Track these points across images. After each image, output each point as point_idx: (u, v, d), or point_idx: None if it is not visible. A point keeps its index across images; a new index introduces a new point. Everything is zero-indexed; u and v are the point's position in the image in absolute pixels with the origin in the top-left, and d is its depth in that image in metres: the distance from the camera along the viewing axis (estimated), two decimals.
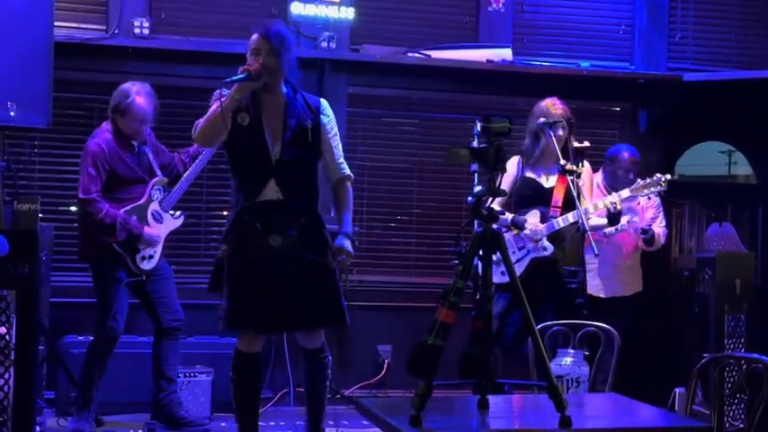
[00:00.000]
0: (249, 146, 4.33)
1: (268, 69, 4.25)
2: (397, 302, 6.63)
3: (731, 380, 4.77)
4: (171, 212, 5.55)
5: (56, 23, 5.60)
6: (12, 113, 5.34)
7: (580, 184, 5.23)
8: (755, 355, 3.59)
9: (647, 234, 6.00)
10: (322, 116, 4.45)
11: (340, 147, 4.54)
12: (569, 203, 5.24)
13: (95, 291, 5.38)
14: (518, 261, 5.29)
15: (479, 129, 3.26)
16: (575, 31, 7.09)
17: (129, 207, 5.31)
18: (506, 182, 5.17)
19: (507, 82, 6.74)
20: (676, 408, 5.78)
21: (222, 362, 5.16)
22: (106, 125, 5.40)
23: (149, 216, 5.40)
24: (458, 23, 6.92)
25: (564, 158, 5.21)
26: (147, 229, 5.33)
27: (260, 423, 4.50)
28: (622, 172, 6.01)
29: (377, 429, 3.16)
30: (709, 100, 6.81)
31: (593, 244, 5.03)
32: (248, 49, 4.32)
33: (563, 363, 4.73)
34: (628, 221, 5.70)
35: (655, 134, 7.01)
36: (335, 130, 4.51)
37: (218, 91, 4.33)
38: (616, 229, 5.65)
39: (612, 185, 5.93)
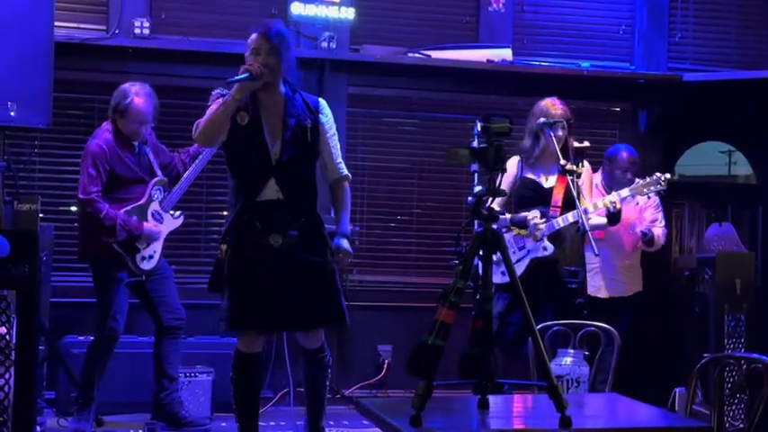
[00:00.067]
0: (248, 145, 4.33)
1: (268, 69, 4.25)
2: (398, 302, 6.63)
3: (731, 380, 4.77)
4: (171, 212, 5.55)
5: (56, 23, 5.60)
6: (12, 113, 5.34)
7: (579, 183, 5.23)
8: (755, 355, 3.59)
9: (645, 237, 6.00)
10: (321, 116, 4.45)
11: (338, 146, 4.54)
12: (569, 203, 5.23)
13: (95, 291, 5.39)
14: (518, 261, 5.29)
15: (479, 129, 3.26)
16: (575, 31, 7.09)
17: (129, 207, 5.32)
18: (506, 182, 5.17)
19: (507, 82, 6.74)
20: (676, 408, 5.78)
21: (222, 362, 5.16)
22: (106, 125, 5.40)
23: (150, 216, 5.40)
24: (458, 23, 6.92)
25: (564, 158, 5.21)
26: (146, 225, 5.33)
27: (260, 423, 4.50)
28: (620, 172, 6.01)
29: (377, 429, 3.16)
30: (709, 100, 6.81)
31: (594, 244, 5.03)
32: (247, 49, 4.32)
33: (563, 363, 4.73)
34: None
35: (655, 134, 7.01)
36: (334, 129, 4.51)
37: (216, 91, 4.34)
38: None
39: (610, 185, 5.93)
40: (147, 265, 5.36)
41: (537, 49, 6.99)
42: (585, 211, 5.17)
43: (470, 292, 3.87)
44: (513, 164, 5.41)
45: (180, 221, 5.62)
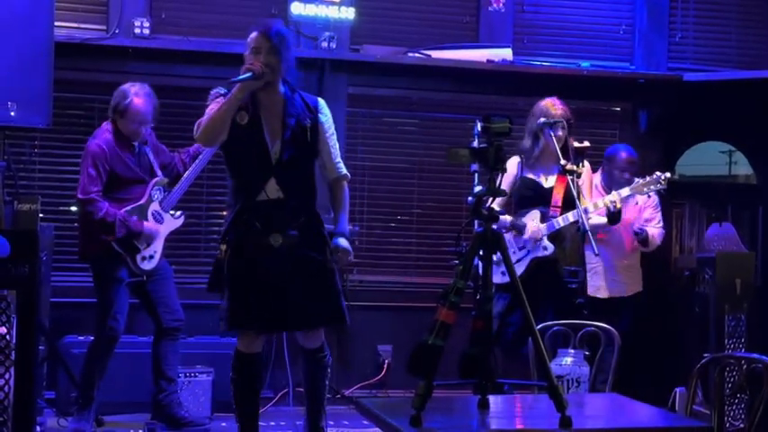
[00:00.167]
0: (248, 145, 4.32)
1: (269, 68, 4.25)
2: (398, 302, 6.63)
3: (731, 380, 4.75)
4: (171, 212, 5.55)
5: (56, 23, 5.60)
6: (12, 113, 5.34)
7: (579, 183, 5.23)
8: (755, 355, 3.59)
9: (639, 236, 6.00)
10: (320, 115, 4.45)
11: (337, 146, 4.53)
12: (569, 203, 5.24)
13: (95, 291, 5.39)
14: (518, 261, 5.30)
15: (479, 129, 3.26)
16: (575, 31, 7.09)
17: (129, 207, 5.31)
18: (506, 182, 5.17)
19: (507, 82, 6.73)
20: (676, 408, 5.78)
21: (222, 362, 5.16)
22: (106, 125, 5.40)
23: (150, 216, 5.40)
24: (458, 23, 6.92)
25: (564, 158, 5.21)
26: (146, 224, 5.33)
27: (260, 423, 4.50)
28: (618, 172, 6.00)
29: (377, 429, 3.16)
30: (710, 100, 6.81)
31: (593, 244, 5.03)
32: (247, 48, 4.31)
33: (563, 363, 4.73)
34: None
35: (655, 134, 7.00)
36: (333, 129, 4.51)
37: (215, 90, 4.34)
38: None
39: (609, 185, 5.93)
40: (147, 266, 5.36)
41: (537, 49, 6.99)
42: (586, 211, 5.17)
43: (470, 292, 3.86)
44: (513, 164, 5.41)
45: (180, 221, 5.62)
